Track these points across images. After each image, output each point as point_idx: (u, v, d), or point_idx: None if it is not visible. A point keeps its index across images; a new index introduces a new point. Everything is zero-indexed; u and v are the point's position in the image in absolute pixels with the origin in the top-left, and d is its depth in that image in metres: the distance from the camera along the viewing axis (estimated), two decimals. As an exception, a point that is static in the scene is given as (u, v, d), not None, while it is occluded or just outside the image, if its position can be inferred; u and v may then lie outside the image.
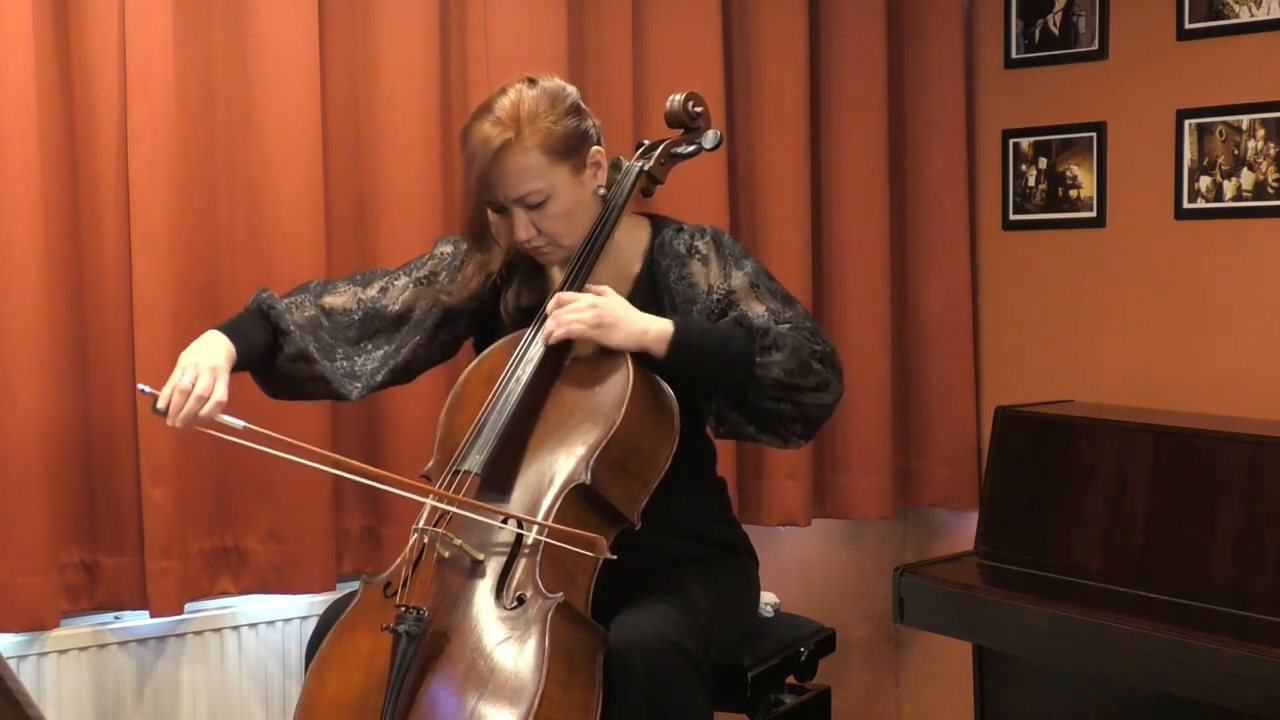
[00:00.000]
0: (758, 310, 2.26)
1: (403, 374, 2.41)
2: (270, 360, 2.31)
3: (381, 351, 2.38)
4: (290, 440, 2.13)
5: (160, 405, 2.13)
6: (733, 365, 2.19)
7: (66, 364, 2.60)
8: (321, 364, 2.31)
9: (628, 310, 2.20)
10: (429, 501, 2.15)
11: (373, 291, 2.41)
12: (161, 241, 2.62)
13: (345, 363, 2.35)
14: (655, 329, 2.19)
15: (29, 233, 2.50)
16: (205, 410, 2.12)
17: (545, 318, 2.23)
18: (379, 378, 2.37)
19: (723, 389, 2.24)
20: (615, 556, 2.10)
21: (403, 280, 2.42)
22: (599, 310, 2.18)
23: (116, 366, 2.64)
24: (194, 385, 2.12)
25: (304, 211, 2.76)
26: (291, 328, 2.30)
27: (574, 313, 2.18)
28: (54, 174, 2.56)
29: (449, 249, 2.45)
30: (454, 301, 2.39)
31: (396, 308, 2.40)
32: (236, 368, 2.24)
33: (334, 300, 2.39)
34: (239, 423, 2.13)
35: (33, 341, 2.51)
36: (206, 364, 2.15)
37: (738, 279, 2.30)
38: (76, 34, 2.59)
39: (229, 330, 2.25)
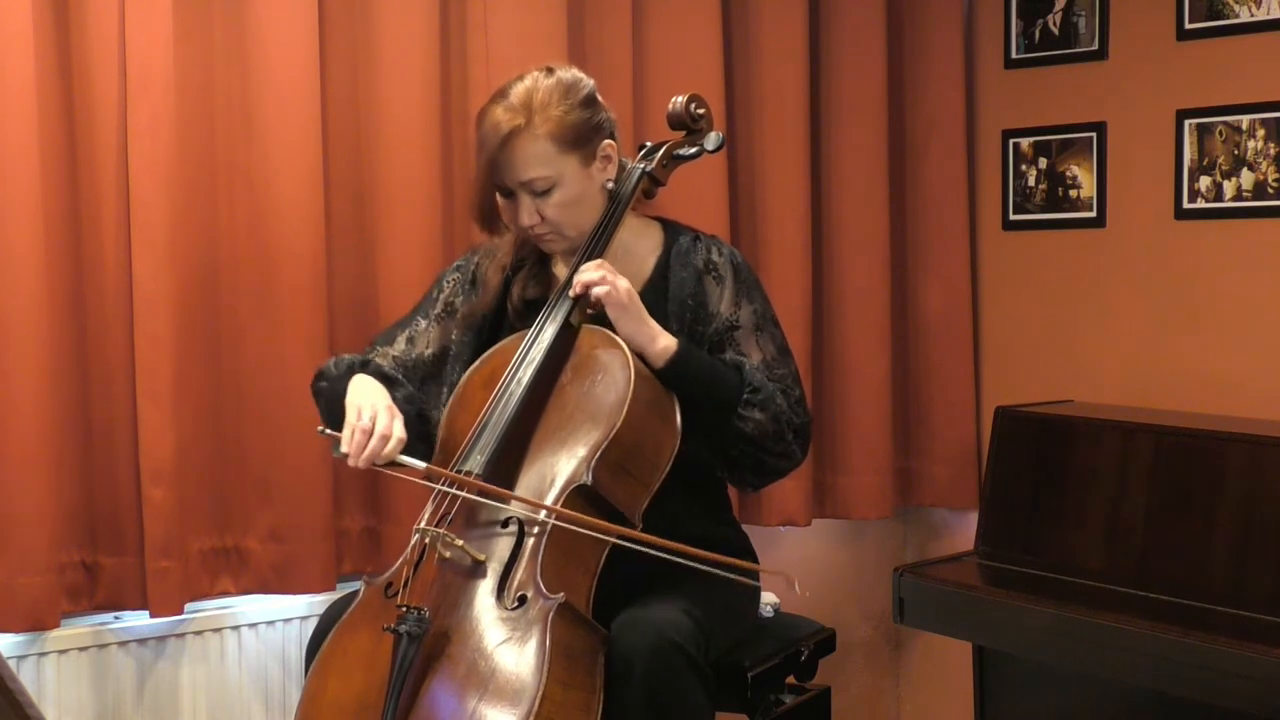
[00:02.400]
0: (754, 356, 2.30)
1: None
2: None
3: (441, 394, 2.37)
4: (476, 482, 2.10)
5: (344, 448, 2.14)
6: (715, 406, 2.23)
7: (67, 363, 2.60)
8: (421, 402, 2.33)
9: (646, 315, 2.23)
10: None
11: (401, 347, 2.41)
12: (161, 241, 2.61)
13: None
14: (662, 343, 2.21)
15: (29, 232, 2.49)
16: (388, 449, 2.13)
17: (548, 316, 2.25)
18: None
19: (694, 421, 2.25)
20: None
21: (423, 324, 2.43)
22: (633, 297, 2.21)
23: (116, 366, 2.64)
24: (374, 425, 2.13)
25: (304, 211, 2.75)
26: (390, 373, 2.32)
27: (614, 278, 2.19)
28: (54, 174, 2.56)
29: (457, 275, 2.47)
30: (485, 307, 2.40)
31: (431, 350, 2.41)
32: None
33: (380, 362, 2.38)
34: (420, 464, 2.12)
35: (33, 341, 2.50)
36: (383, 404, 2.18)
37: (745, 314, 2.33)
38: (76, 34, 2.59)
39: (370, 375, 2.27)
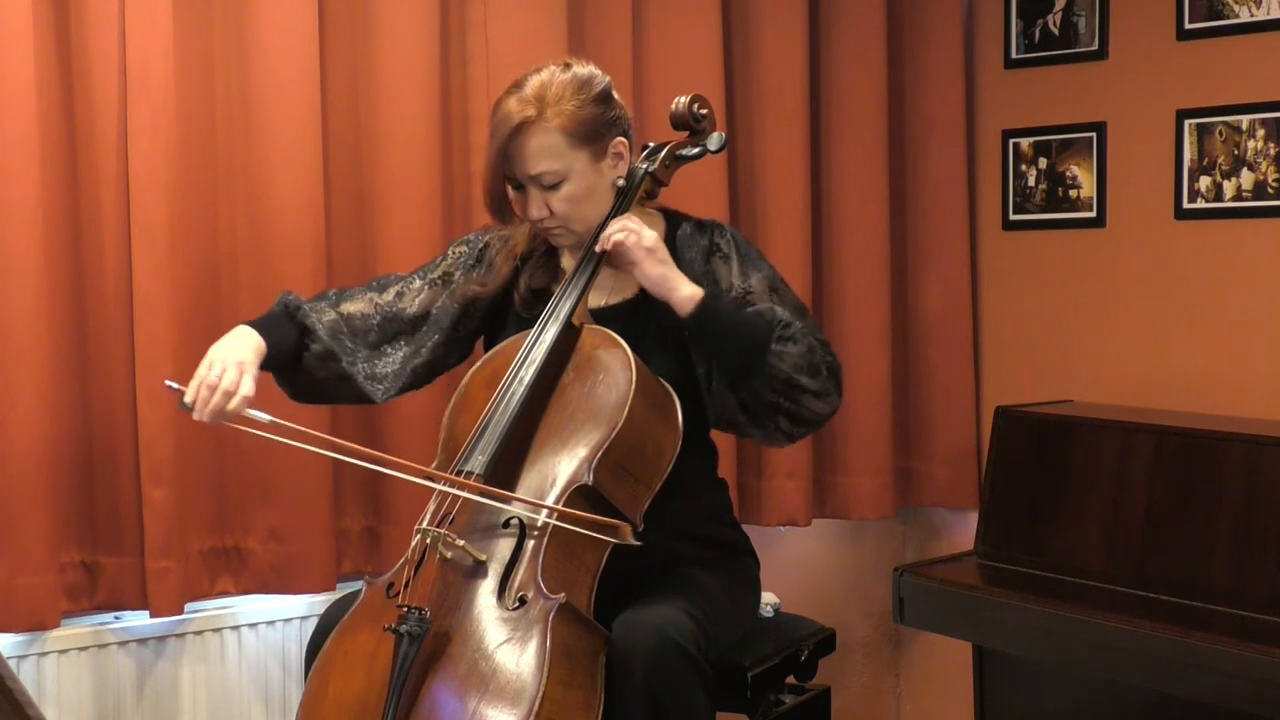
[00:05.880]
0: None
1: (424, 374, 2.43)
2: (296, 360, 2.32)
3: (401, 353, 2.40)
4: (318, 434, 2.14)
5: (187, 400, 2.14)
6: (748, 347, 2.21)
7: (66, 364, 2.60)
8: (346, 363, 2.33)
9: (671, 263, 2.25)
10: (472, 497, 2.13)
11: (389, 296, 2.43)
12: (161, 241, 2.61)
13: (366, 365, 2.36)
14: (687, 290, 2.22)
15: (29, 232, 2.49)
16: (232, 405, 2.13)
17: (551, 315, 2.26)
18: (403, 379, 2.39)
19: (729, 370, 2.24)
20: (638, 543, 2.14)
21: (418, 283, 2.44)
22: (658, 242, 2.23)
23: (116, 366, 2.64)
24: (220, 380, 2.13)
25: (304, 211, 2.76)
26: (318, 327, 2.32)
27: (639, 228, 2.22)
28: (54, 174, 2.56)
29: (464, 249, 2.48)
30: (488, 292, 2.42)
31: (414, 310, 2.42)
32: (265, 364, 2.25)
33: (352, 307, 2.40)
34: (265, 417, 2.13)
35: (33, 342, 2.51)
36: (234, 359, 2.17)
37: (756, 280, 2.34)
38: (76, 34, 2.59)
39: (258, 326, 2.27)
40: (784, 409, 2.25)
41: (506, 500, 2.11)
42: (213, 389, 2.13)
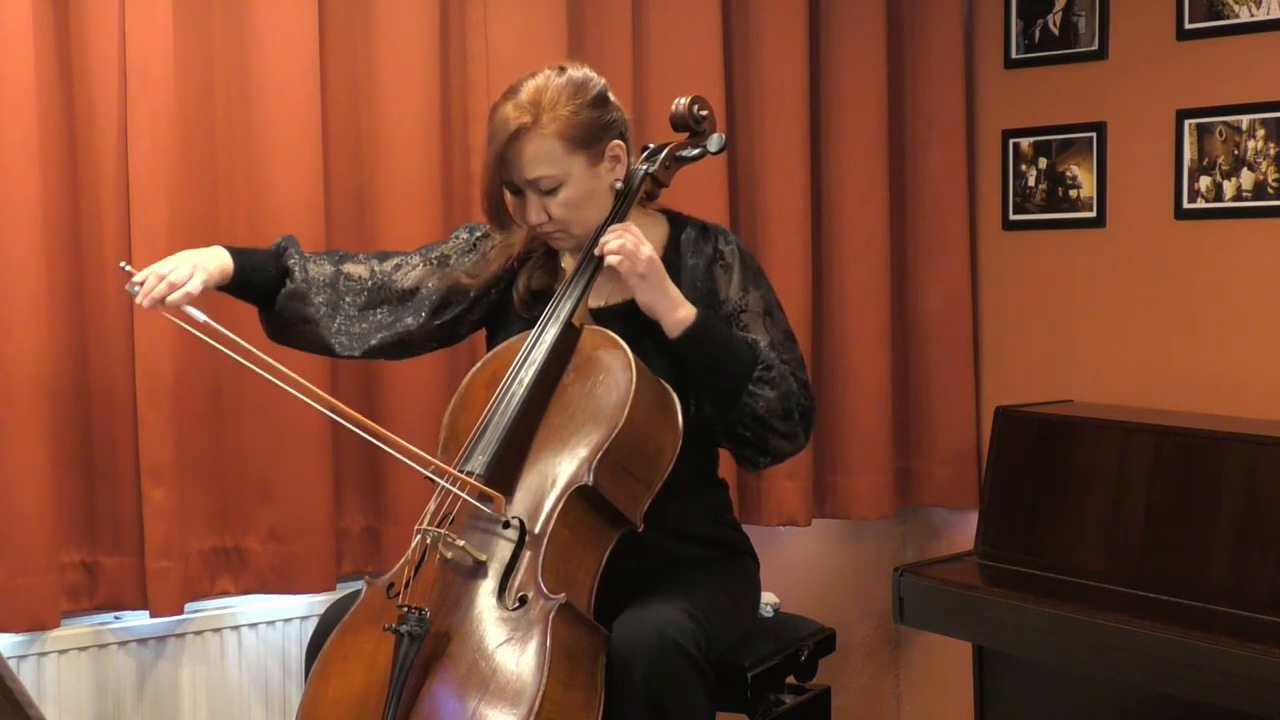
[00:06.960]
0: (762, 339, 2.32)
1: (394, 348, 2.44)
2: (272, 297, 2.35)
3: (376, 320, 2.41)
4: (250, 348, 2.16)
5: (135, 281, 2.20)
6: (727, 379, 2.25)
7: (67, 363, 2.60)
8: (315, 308, 2.36)
9: (667, 283, 2.25)
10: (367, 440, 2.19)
11: (388, 266, 2.45)
12: (161, 241, 2.61)
13: (345, 322, 2.39)
14: (680, 313, 2.23)
15: (29, 232, 2.49)
16: (173, 296, 2.19)
17: (552, 315, 2.26)
18: (368, 343, 2.40)
19: (707, 392, 2.27)
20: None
21: (416, 259, 2.46)
22: (653, 263, 2.23)
23: (117, 366, 2.64)
24: (170, 273, 2.19)
25: (304, 211, 2.76)
26: (296, 269, 2.35)
27: (635, 246, 2.22)
28: (54, 174, 2.56)
29: (465, 235, 2.49)
30: (474, 284, 2.42)
31: (405, 284, 2.44)
32: (231, 287, 2.31)
33: (353, 268, 2.44)
34: (201, 315, 2.18)
35: (33, 341, 2.51)
36: (190, 261, 2.24)
37: (753, 298, 2.35)
38: (76, 34, 2.59)
39: (234, 250, 2.32)
40: (750, 441, 2.30)
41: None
42: (160, 278, 2.19)
